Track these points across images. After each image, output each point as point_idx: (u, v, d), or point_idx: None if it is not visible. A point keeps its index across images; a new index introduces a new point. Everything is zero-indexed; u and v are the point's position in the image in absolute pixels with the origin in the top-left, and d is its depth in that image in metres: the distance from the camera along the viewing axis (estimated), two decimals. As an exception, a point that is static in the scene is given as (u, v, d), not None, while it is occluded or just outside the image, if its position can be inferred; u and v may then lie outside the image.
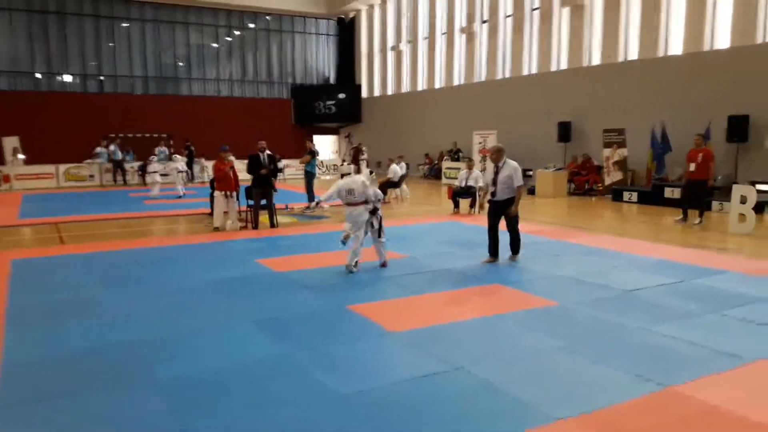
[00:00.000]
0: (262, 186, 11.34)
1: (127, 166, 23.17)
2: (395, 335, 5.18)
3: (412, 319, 5.63)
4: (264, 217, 11.60)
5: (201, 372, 4.36)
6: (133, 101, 27.55)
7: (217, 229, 11.19)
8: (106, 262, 8.38)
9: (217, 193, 11.26)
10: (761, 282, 6.93)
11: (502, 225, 8.23)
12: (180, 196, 17.02)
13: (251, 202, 11.56)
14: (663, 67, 16.80)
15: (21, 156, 22.32)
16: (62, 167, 22.28)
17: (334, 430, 3.49)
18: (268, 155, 11.48)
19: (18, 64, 25.90)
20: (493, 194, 8.13)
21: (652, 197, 15.03)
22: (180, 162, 19.03)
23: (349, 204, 7.53)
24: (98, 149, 23.07)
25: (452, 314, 5.78)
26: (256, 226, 11.34)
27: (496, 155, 8.06)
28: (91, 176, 22.64)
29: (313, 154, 14.00)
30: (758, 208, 11.54)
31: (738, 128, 14.64)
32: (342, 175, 7.44)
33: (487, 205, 8.56)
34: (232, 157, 12.12)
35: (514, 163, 8.08)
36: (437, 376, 4.29)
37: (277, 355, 4.71)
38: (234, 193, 11.32)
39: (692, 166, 11.46)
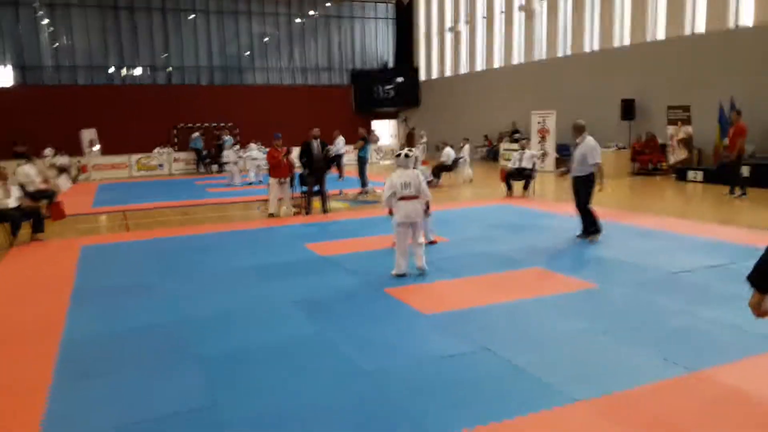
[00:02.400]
0: (316, 173, 11.62)
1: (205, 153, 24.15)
2: (428, 317, 5.28)
3: (448, 301, 5.72)
4: (318, 203, 11.91)
5: (240, 349, 4.64)
6: (199, 92, 28.53)
7: (272, 215, 11.58)
8: (165, 247, 8.87)
9: (271, 180, 11.64)
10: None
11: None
12: (251, 183, 17.79)
13: (305, 189, 11.87)
14: (732, 40, 15.89)
15: (97, 147, 23.64)
16: (134, 157, 23.45)
17: (351, 405, 3.65)
18: (321, 143, 11.75)
19: (93, 59, 27.33)
20: (568, 170, 8.57)
21: (718, 176, 14.33)
22: (254, 150, 19.67)
23: (403, 198, 6.61)
24: (193, 135, 24.40)
25: (489, 297, 5.82)
26: (309, 212, 11.65)
27: (576, 131, 8.31)
28: (160, 166, 23.73)
29: (365, 140, 14.18)
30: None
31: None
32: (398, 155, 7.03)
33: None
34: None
35: (592, 141, 8.18)
36: (462, 356, 4.38)
37: (312, 333, 4.94)
38: (288, 180, 11.66)
39: (725, 141, 12.22)
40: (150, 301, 6.07)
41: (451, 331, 4.92)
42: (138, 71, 28.21)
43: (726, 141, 12.12)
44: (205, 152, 23.99)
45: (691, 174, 15.08)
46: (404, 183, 6.58)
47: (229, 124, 27.51)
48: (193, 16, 29.03)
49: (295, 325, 5.17)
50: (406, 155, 6.74)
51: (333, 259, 7.66)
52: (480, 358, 4.34)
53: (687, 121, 15.92)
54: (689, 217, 9.96)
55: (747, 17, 15.90)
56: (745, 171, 13.11)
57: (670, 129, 16.31)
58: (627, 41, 19.43)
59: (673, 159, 16.30)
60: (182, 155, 24.48)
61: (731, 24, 16.15)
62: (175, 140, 26.38)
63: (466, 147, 17.45)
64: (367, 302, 5.80)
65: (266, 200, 12.61)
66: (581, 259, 7.40)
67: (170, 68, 28.70)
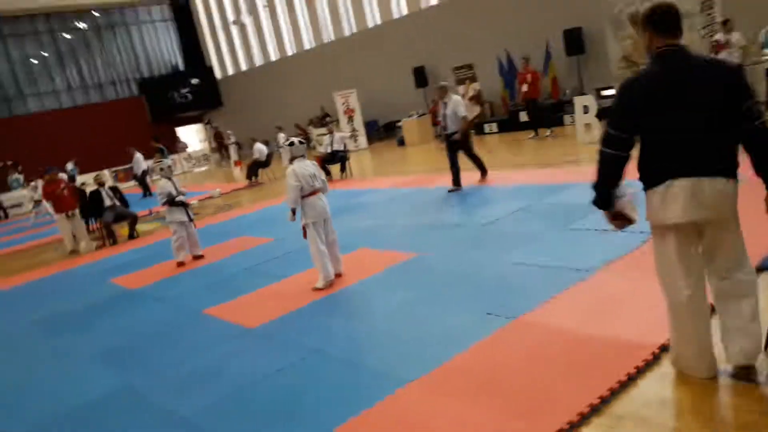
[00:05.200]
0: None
1: None
2: (253, 332, 4.89)
3: (274, 308, 5.34)
4: (124, 229, 10.83)
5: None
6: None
7: (73, 252, 10.34)
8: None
9: (57, 216, 10.36)
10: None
11: None
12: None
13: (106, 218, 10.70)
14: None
15: None
16: None
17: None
18: (110, 187, 10.79)
19: None
20: (444, 128, 8.94)
21: (510, 124, 15.48)
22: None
23: (312, 193, 5.67)
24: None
25: (316, 293, 5.54)
26: (114, 242, 10.54)
27: (442, 93, 8.93)
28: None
29: (162, 151, 13.18)
30: (603, 114, 12.14)
31: (574, 41, 15.25)
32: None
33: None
34: (63, 175, 11.50)
35: (457, 97, 8.83)
36: (292, 366, 4.07)
37: (118, 388, 4.28)
38: (77, 212, 10.44)
39: (525, 87, 13.10)
40: None
41: (279, 340, 4.59)
42: None
43: (525, 87, 13.18)
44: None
45: (486, 127, 16.11)
46: (312, 174, 5.67)
47: (9, 162, 24.23)
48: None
49: (96, 382, 4.45)
50: (300, 142, 5.85)
51: (143, 291, 6.90)
52: (310, 363, 4.07)
53: (473, 78, 16.95)
54: (492, 168, 10.52)
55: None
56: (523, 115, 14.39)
57: (461, 88, 17.25)
58: (405, 11, 20.16)
59: (470, 116, 17.27)
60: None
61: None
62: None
63: (280, 135, 17.05)
64: (183, 332, 5.25)
65: (61, 240, 11.24)
66: (399, 230, 7.43)
67: None
